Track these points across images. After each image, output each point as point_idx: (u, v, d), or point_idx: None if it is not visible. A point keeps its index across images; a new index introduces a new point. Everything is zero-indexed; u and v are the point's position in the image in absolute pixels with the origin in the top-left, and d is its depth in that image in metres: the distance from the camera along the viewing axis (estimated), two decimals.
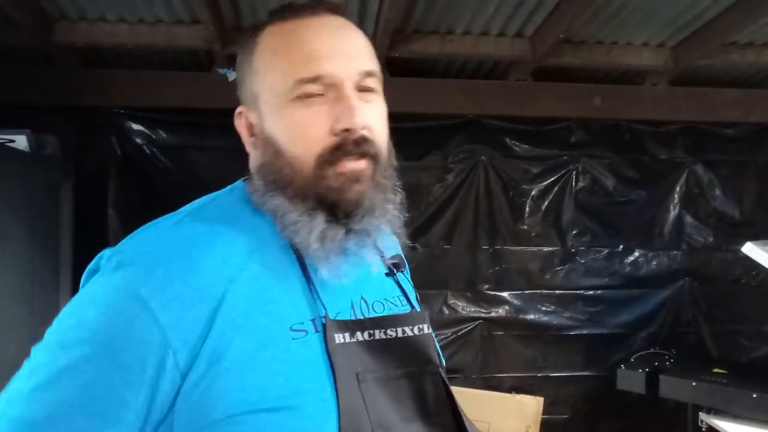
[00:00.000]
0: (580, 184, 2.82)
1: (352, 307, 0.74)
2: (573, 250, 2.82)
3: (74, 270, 2.23)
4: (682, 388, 2.17)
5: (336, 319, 0.70)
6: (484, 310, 2.76)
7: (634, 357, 2.46)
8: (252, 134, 0.77)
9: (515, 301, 2.78)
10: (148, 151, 2.58)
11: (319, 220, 0.70)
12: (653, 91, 2.76)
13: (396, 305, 0.80)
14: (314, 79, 0.70)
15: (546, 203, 2.82)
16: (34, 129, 2.19)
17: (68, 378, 0.62)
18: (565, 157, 2.81)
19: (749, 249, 2.11)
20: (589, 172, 2.82)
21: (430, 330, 0.80)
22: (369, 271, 0.78)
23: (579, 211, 2.81)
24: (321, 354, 0.67)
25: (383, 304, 0.78)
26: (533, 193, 2.81)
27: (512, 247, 2.79)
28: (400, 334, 0.75)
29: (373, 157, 0.72)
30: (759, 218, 2.82)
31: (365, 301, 0.76)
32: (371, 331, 0.72)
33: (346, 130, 0.70)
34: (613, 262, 2.84)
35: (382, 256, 0.82)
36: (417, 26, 2.33)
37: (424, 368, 0.75)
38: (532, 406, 2.34)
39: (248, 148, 0.78)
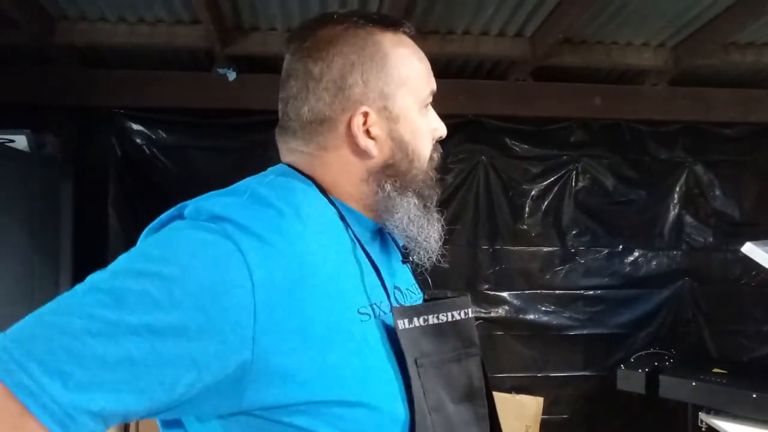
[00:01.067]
0: (580, 184, 2.82)
1: (388, 297, 0.74)
2: (573, 250, 2.82)
3: (74, 270, 2.23)
4: (681, 388, 2.17)
5: (400, 304, 0.75)
6: (483, 310, 2.76)
7: (634, 357, 2.46)
8: (370, 135, 0.75)
9: (515, 301, 2.78)
10: (147, 151, 2.58)
11: (416, 208, 0.78)
12: (653, 91, 2.75)
13: (414, 294, 0.85)
14: (434, 91, 0.82)
15: (546, 203, 2.82)
16: (34, 129, 2.19)
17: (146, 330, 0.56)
18: (564, 157, 2.81)
19: (749, 249, 2.10)
20: (589, 172, 2.82)
21: (473, 314, 0.84)
22: (398, 260, 0.83)
23: (579, 211, 2.81)
24: (383, 338, 0.69)
25: (412, 293, 0.83)
26: (533, 193, 2.81)
27: (512, 247, 2.78)
28: (449, 319, 0.78)
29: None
30: (759, 218, 2.82)
31: (399, 290, 0.80)
32: (426, 317, 0.74)
33: (442, 136, 0.83)
34: (613, 262, 2.84)
35: (395, 241, 0.85)
36: (417, 26, 2.32)
37: (470, 351, 0.79)
38: (531, 406, 2.34)
39: (350, 146, 0.76)
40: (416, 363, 0.69)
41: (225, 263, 0.60)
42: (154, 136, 2.58)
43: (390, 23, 0.79)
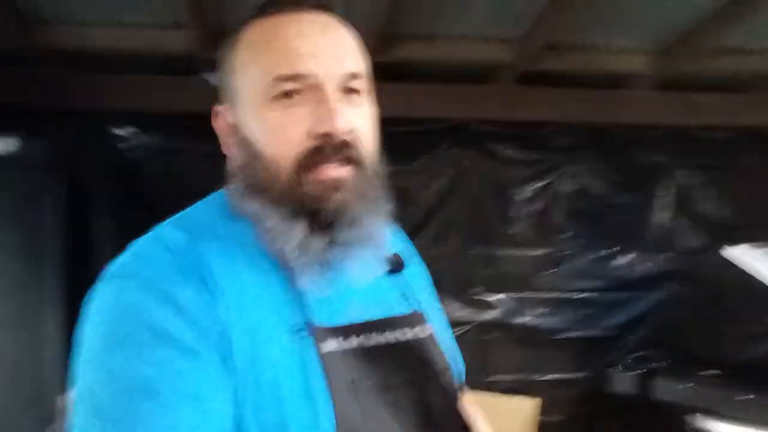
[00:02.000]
0: (568, 188, 2.83)
1: (344, 312, 0.69)
2: (563, 254, 2.83)
3: (64, 276, 2.19)
4: (675, 390, 2.18)
5: (325, 325, 0.67)
6: (476, 314, 2.75)
7: (627, 359, 2.47)
8: (229, 134, 0.73)
9: (507, 305, 2.78)
10: (133, 156, 2.55)
11: (299, 229, 0.67)
12: (640, 96, 2.77)
13: (394, 307, 0.75)
14: (294, 77, 0.66)
15: (534, 207, 2.82)
16: (23, 134, 2.16)
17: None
18: (552, 162, 2.82)
19: (731, 253, 2.11)
20: (577, 176, 2.84)
21: (432, 331, 0.75)
22: (362, 266, 0.73)
23: (567, 214, 2.82)
24: (315, 360, 0.64)
25: (379, 307, 0.74)
26: (521, 197, 2.81)
27: (502, 251, 2.78)
28: (400, 338, 0.71)
29: (357, 164, 0.69)
30: (747, 221, 2.84)
31: (358, 305, 0.72)
32: (367, 335, 0.69)
33: (327, 134, 0.66)
34: (603, 265, 2.85)
35: (382, 256, 0.76)
36: (401, 31, 2.32)
37: (426, 374, 0.71)
38: (528, 408, 2.33)
39: (225, 149, 0.75)
40: (354, 385, 0.65)
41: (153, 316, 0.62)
42: (141, 140, 2.55)
43: (268, 7, 0.72)
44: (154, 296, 0.60)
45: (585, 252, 2.84)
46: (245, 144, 0.70)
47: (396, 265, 0.78)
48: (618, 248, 2.86)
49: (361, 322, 0.70)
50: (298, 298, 0.67)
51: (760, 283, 2.07)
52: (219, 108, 0.74)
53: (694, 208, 2.89)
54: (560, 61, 2.49)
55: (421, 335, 0.73)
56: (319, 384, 0.63)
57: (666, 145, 2.87)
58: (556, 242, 2.82)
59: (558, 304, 2.81)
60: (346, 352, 0.66)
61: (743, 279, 2.71)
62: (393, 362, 0.69)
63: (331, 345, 0.65)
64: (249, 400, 0.60)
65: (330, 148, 0.66)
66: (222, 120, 0.74)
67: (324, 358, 0.64)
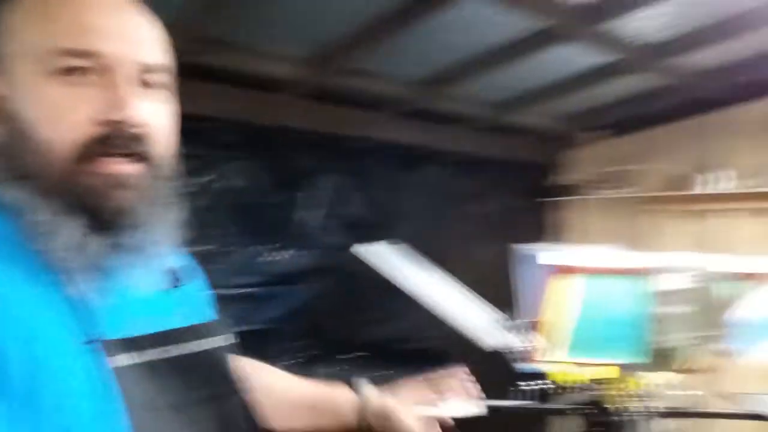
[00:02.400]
0: (227, 185, 2.86)
1: (133, 321, 0.62)
2: (221, 250, 2.83)
3: None
4: (329, 373, 2.38)
5: (114, 337, 0.58)
6: None
7: (286, 350, 2.58)
8: None
9: None
10: None
11: (76, 226, 0.57)
12: (297, 102, 2.95)
13: (185, 318, 0.69)
14: (85, 54, 0.58)
15: (194, 204, 2.75)
16: None
17: None
18: (212, 158, 2.81)
19: (360, 250, 2.38)
20: (236, 174, 2.88)
21: (227, 342, 0.71)
22: (146, 285, 0.66)
23: (225, 211, 2.84)
24: (104, 377, 0.55)
25: (170, 317, 0.67)
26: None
27: None
28: (195, 349, 0.65)
29: (147, 161, 0.62)
30: (382, 222, 3.32)
31: (148, 315, 0.64)
32: (162, 347, 0.61)
33: (116, 122, 0.58)
34: (260, 261, 2.96)
35: (166, 268, 0.69)
36: None
37: (228, 388, 0.67)
38: None
39: None
40: (150, 405, 0.57)
41: None
42: None
43: None
44: None
45: (242, 248, 2.90)
46: (12, 119, 0.59)
47: (182, 278, 0.72)
48: (274, 245, 3.01)
49: (153, 332, 0.63)
50: (80, 307, 0.57)
51: (386, 275, 2.40)
52: None
53: (339, 209, 3.24)
54: (219, 57, 2.48)
55: (217, 345, 0.69)
56: (112, 405, 0.55)
57: (318, 150, 3.14)
58: (215, 238, 2.82)
59: (219, 300, 2.79)
60: (140, 367, 0.58)
61: (373, 272, 3.14)
62: (192, 376, 0.63)
63: (123, 359, 0.57)
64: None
65: (118, 138, 0.59)
66: None
67: (116, 374, 0.56)
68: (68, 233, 0.58)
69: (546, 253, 1.85)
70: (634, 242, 3.90)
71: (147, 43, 0.65)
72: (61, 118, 0.59)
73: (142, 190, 0.62)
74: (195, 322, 0.70)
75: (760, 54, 2.95)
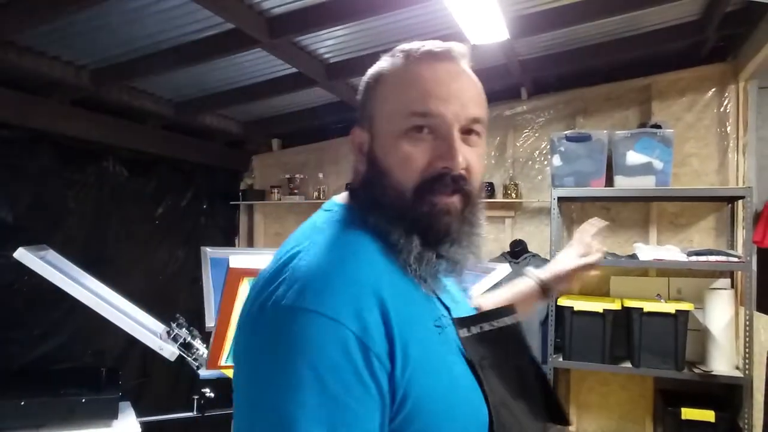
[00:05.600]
0: None
1: (457, 307, 0.89)
2: None
3: None
4: None
5: (456, 317, 0.83)
6: None
7: None
8: (361, 152, 0.85)
9: None
10: None
11: (416, 243, 0.78)
12: None
13: (463, 304, 0.95)
14: (424, 114, 0.77)
15: None
16: None
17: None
18: None
19: (21, 254, 2.08)
20: None
21: (518, 321, 0.91)
22: (455, 292, 0.92)
23: None
24: (457, 345, 0.80)
25: (466, 305, 0.96)
26: None
27: None
28: (499, 325, 0.86)
29: (466, 195, 0.80)
30: (32, 223, 2.84)
31: (458, 303, 0.91)
32: (480, 325, 0.84)
33: (446, 168, 0.77)
34: None
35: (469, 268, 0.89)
36: None
37: (521, 352, 0.89)
38: None
39: (355, 164, 0.86)
40: (480, 365, 0.78)
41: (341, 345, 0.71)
42: None
43: (411, 53, 0.83)
44: (337, 340, 0.66)
45: None
46: (374, 163, 0.81)
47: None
48: None
49: (471, 315, 0.87)
50: (432, 297, 0.82)
51: (48, 285, 2.10)
52: (356, 128, 0.86)
53: None
54: None
55: (515, 321, 0.90)
56: (463, 364, 0.78)
57: None
58: None
59: None
60: (472, 338, 0.82)
61: (29, 282, 2.69)
62: (501, 343, 0.85)
63: (464, 332, 0.81)
64: (417, 385, 0.71)
65: (446, 179, 0.78)
66: (357, 139, 0.86)
67: (463, 342, 0.80)
68: (412, 248, 0.78)
69: (235, 257, 1.83)
70: None
71: (472, 101, 0.81)
72: (407, 165, 0.78)
73: (460, 216, 0.81)
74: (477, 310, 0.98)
75: None
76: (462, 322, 0.82)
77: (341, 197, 0.89)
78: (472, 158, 0.80)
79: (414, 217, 0.78)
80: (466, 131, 0.80)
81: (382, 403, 0.68)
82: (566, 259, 1.35)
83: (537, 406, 0.87)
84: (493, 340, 0.84)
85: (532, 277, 1.32)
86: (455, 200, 0.79)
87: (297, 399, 0.64)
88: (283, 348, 0.67)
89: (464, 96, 0.80)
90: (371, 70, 0.87)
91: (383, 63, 0.86)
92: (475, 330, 0.82)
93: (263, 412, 0.66)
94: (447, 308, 0.85)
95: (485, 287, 2.27)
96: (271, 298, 0.70)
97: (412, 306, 0.76)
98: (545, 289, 1.31)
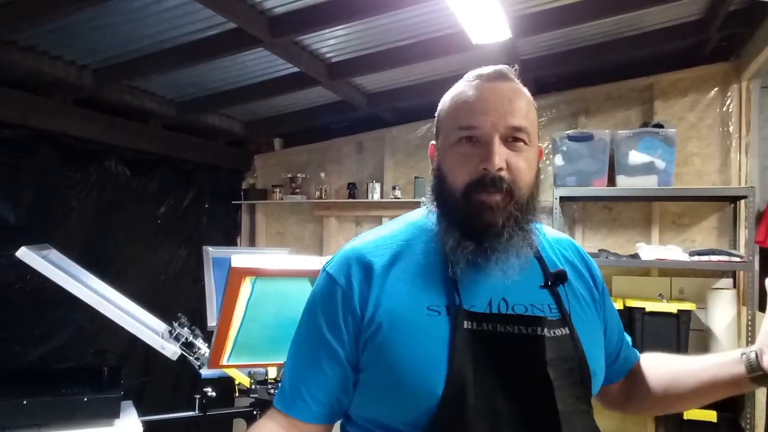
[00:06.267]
0: None
1: (490, 304, 0.93)
2: None
3: None
4: None
5: (468, 309, 0.91)
6: None
7: None
8: (433, 162, 1.03)
9: None
10: None
11: (456, 234, 0.93)
12: None
13: (542, 311, 0.95)
14: (468, 127, 0.94)
15: None
16: None
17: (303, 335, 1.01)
18: None
19: (23, 254, 2.08)
20: None
21: (566, 333, 0.93)
22: (519, 279, 0.94)
23: None
24: (446, 334, 0.89)
25: (526, 308, 0.95)
26: None
27: None
28: (515, 331, 0.89)
29: (509, 192, 0.92)
30: (34, 223, 2.84)
31: (506, 302, 0.94)
32: (494, 324, 0.90)
33: (485, 169, 0.91)
34: None
35: (545, 269, 1.00)
36: None
37: (534, 363, 0.88)
38: None
39: (432, 170, 1.03)
40: (473, 358, 0.87)
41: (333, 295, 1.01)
42: None
43: (475, 75, 0.99)
44: (331, 291, 0.97)
45: None
46: (438, 170, 0.99)
47: (559, 279, 0.99)
48: None
49: (490, 313, 0.92)
50: (451, 286, 0.93)
51: (50, 284, 2.11)
52: (433, 141, 1.05)
53: None
54: None
55: (533, 333, 0.90)
56: (443, 350, 0.87)
57: None
58: None
59: None
60: (476, 333, 0.89)
61: (31, 282, 2.70)
62: (504, 348, 0.88)
63: (467, 324, 0.89)
64: (377, 351, 0.91)
65: (488, 179, 0.91)
66: (432, 151, 1.05)
67: (459, 332, 0.88)
68: (454, 236, 0.93)
69: (237, 256, 1.83)
70: (316, 244, 4.25)
71: (513, 112, 0.93)
72: (457, 170, 0.94)
73: (503, 211, 0.92)
74: (549, 316, 0.94)
75: (420, 83, 3.49)
76: (473, 316, 0.90)
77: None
78: (516, 161, 0.93)
79: (461, 213, 0.93)
80: (512, 139, 0.93)
81: (348, 343, 0.94)
82: None
83: (538, 422, 0.85)
84: (502, 342, 0.89)
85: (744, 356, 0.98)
86: (497, 198, 0.91)
87: (300, 324, 1.01)
88: (310, 295, 1.02)
89: (504, 108, 0.93)
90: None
91: (452, 88, 1.03)
92: (487, 327, 0.90)
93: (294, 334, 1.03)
94: (453, 299, 0.92)
95: None
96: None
97: (412, 288, 0.94)
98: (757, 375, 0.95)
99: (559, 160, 3.23)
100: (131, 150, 3.41)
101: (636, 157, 3.09)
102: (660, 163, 3.05)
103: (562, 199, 3.23)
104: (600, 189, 3.17)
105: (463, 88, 0.98)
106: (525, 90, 0.99)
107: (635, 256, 3.12)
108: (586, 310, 1.02)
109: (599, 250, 3.25)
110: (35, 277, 2.25)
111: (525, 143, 0.94)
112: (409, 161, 4.03)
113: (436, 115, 1.04)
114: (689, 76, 3.35)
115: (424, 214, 1.03)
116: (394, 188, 3.92)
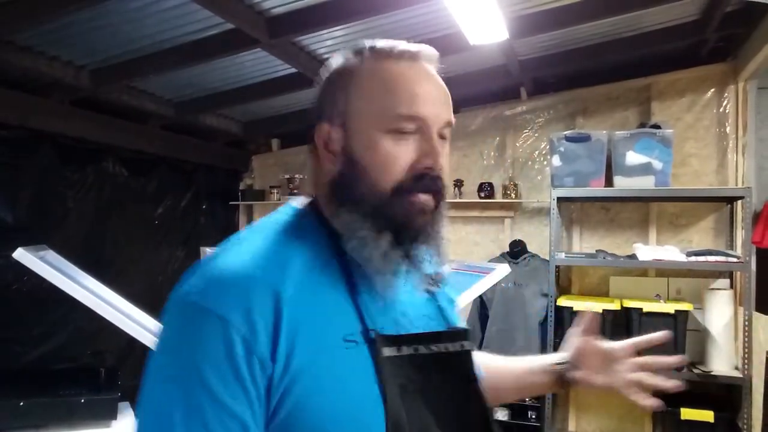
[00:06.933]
0: None
1: (396, 322, 0.79)
2: None
3: None
4: None
5: (384, 333, 0.75)
6: None
7: None
8: (330, 149, 0.82)
9: None
10: None
11: (385, 240, 0.77)
12: None
13: (434, 320, 0.86)
14: (412, 118, 0.78)
15: None
16: None
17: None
18: None
19: (20, 255, 2.08)
20: None
21: (472, 347, 0.85)
22: (412, 289, 0.82)
23: None
24: (370, 365, 0.73)
25: (423, 320, 0.84)
26: None
27: None
28: (441, 350, 0.80)
29: (439, 195, 0.80)
30: (32, 223, 2.83)
31: (407, 317, 0.82)
32: (416, 346, 0.78)
33: (428, 168, 0.78)
34: None
35: (427, 276, 0.85)
36: None
37: (461, 381, 0.81)
38: None
39: (321, 161, 0.83)
40: (401, 388, 0.74)
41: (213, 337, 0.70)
42: None
43: (401, 52, 0.81)
44: (223, 339, 0.67)
45: None
46: (351, 161, 0.79)
47: (435, 285, 0.88)
48: None
49: (415, 333, 0.80)
50: (362, 308, 0.76)
51: (47, 285, 2.10)
52: (324, 125, 0.82)
53: None
54: None
55: (461, 349, 0.83)
56: (371, 383, 0.72)
57: None
58: None
59: None
60: (399, 359, 0.75)
61: (29, 282, 2.69)
62: (435, 371, 0.78)
63: (388, 351, 0.75)
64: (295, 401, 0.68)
65: (428, 179, 0.78)
66: (325, 136, 0.82)
67: (382, 361, 0.73)
68: (380, 245, 0.77)
69: None
70: None
71: (447, 105, 0.82)
72: (390, 164, 0.77)
73: (432, 215, 0.80)
74: (443, 328, 0.86)
75: None
76: (393, 341, 0.76)
77: (297, 201, 0.87)
78: (444, 161, 0.81)
79: (390, 214, 0.77)
80: (440, 135, 0.81)
81: (258, 405, 0.68)
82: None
83: None
84: (429, 365, 0.79)
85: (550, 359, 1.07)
86: (431, 200, 0.79)
87: (178, 393, 0.67)
88: (174, 342, 0.71)
89: (441, 99, 0.81)
90: (335, 65, 0.84)
91: (350, 58, 0.83)
92: (408, 350, 0.77)
93: (148, 403, 0.69)
94: (365, 324, 0.75)
95: (484, 287, 2.27)
96: (181, 288, 0.73)
97: (323, 316, 0.73)
98: (561, 376, 1.03)
99: (556, 160, 3.24)
100: (129, 150, 3.41)
101: (633, 157, 3.10)
102: (657, 164, 3.06)
103: (560, 199, 3.24)
104: (597, 189, 3.18)
105: (390, 63, 0.80)
106: None
107: (632, 256, 3.13)
108: (453, 308, 0.94)
109: (597, 251, 3.26)
110: (33, 278, 2.25)
111: (445, 140, 0.83)
112: None
113: (327, 86, 0.84)
114: (686, 76, 3.36)
115: (295, 216, 0.83)
116: None
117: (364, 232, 0.77)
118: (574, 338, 1.04)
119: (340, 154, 0.80)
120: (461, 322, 0.93)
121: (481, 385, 0.84)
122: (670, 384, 0.99)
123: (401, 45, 0.82)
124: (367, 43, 0.83)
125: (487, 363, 1.02)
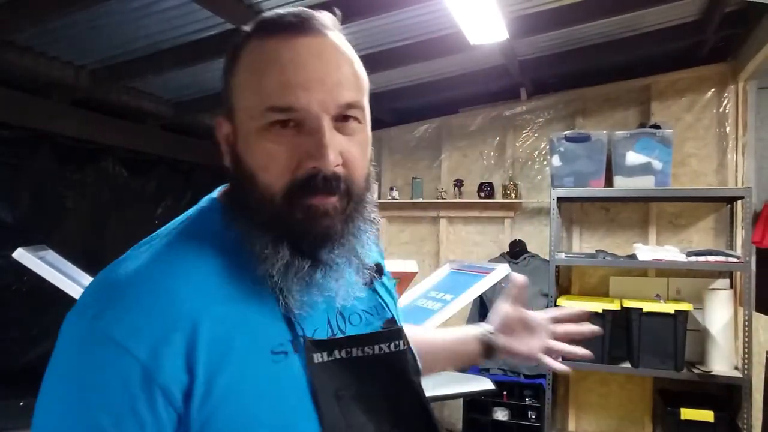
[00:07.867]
0: None
1: (329, 323, 0.74)
2: None
3: None
4: None
5: (314, 338, 0.70)
6: None
7: None
8: (228, 145, 0.71)
9: None
10: None
11: (284, 253, 0.67)
12: None
13: (372, 315, 0.80)
14: (286, 109, 0.64)
15: None
16: None
17: None
18: None
19: (20, 255, 2.08)
20: None
21: (407, 345, 0.79)
22: (345, 285, 0.73)
23: None
24: (302, 374, 0.67)
25: (360, 316, 0.78)
26: None
27: None
28: (376, 351, 0.75)
29: (346, 192, 0.68)
30: (31, 223, 2.83)
31: (342, 315, 0.76)
32: (348, 349, 0.72)
33: (315, 167, 0.65)
34: None
35: (364, 268, 0.76)
36: None
37: (399, 382, 0.76)
38: None
39: (225, 160, 0.72)
40: (336, 395, 0.69)
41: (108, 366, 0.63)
42: None
43: (267, 26, 0.67)
44: (118, 368, 0.59)
45: None
46: (240, 163, 0.69)
47: (374, 276, 0.81)
48: None
49: (346, 336, 0.74)
50: (287, 315, 0.68)
51: (47, 285, 2.10)
52: (220, 119, 0.72)
53: None
54: None
55: (395, 349, 0.77)
56: (304, 395, 0.66)
57: None
58: None
59: None
60: (332, 363, 0.70)
61: (29, 282, 2.69)
62: (371, 372, 0.73)
63: (319, 357, 0.69)
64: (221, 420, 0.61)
65: (320, 179, 0.65)
66: (223, 130, 0.72)
67: (313, 369, 0.67)
68: (278, 259, 0.66)
69: None
70: None
71: (342, 83, 0.67)
72: (272, 166, 0.66)
73: (340, 216, 0.68)
74: (377, 328, 0.79)
75: (418, 83, 3.49)
76: (323, 345, 0.69)
77: (219, 191, 0.77)
78: (350, 149, 0.68)
79: (287, 223, 0.66)
80: (342, 118, 0.67)
81: None
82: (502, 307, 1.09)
83: None
84: (365, 367, 0.72)
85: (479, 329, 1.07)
86: (334, 200, 0.67)
87: (64, 424, 0.60)
88: (65, 368, 0.64)
89: (331, 79, 0.66)
90: (230, 47, 0.71)
91: (242, 35, 0.69)
92: (340, 355, 0.70)
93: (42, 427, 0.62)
94: (295, 331, 0.69)
95: (484, 287, 2.27)
96: (78, 306, 0.66)
97: (245, 330, 0.65)
98: (488, 344, 1.04)
99: (556, 160, 3.24)
100: (129, 151, 3.41)
101: (633, 157, 3.10)
102: (657, 164, 3.06)
103: (560, 199, 3.24)
104: (597, 189, 3.18)
105: (264, 42, 0.67)
106: (347, 43, 0.71)
107: (632, 256, 3.13)
108: (393, 299, 0.88)
109: (597, 251, 3.26)
110: (32, 278, 2.24)
111: (358, 121, 0.69)
112: (407, 162, 4.03)
113: (224, 81, 0.71)
114: (686, 77, 3.36)
115: (211, 212, 0.75)
116: (391, 189, 3.93)
117: (260, 245, 0.67)
118: (501, 307, 1.07)
119: (232, 153, 0.70)
120: (399, 315, 0.86)
121: (420, 384, 0.78)
122: (583, 353, 1.04)
123: (284, 15, 0.68)
124: (262, 15, 0.70)
125: (416, 335, 0.95)
